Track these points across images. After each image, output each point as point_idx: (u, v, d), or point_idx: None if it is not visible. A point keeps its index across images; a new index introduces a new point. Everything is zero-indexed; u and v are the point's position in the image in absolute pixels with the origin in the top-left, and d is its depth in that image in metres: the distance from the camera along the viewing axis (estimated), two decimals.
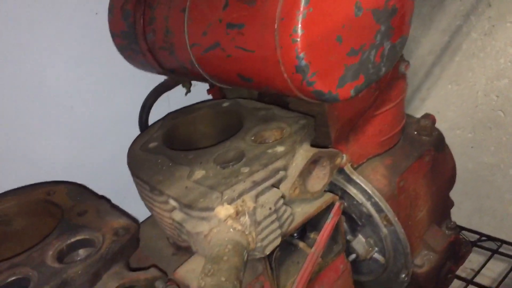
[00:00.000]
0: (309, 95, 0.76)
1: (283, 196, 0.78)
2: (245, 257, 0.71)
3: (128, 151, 0.91)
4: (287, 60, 0.71)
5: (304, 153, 0.82)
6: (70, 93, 1.05)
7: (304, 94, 0.77)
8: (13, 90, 0.97)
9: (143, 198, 0.86)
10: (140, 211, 0.95)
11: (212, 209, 0.72)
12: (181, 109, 1.04)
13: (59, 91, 1.03)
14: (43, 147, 1.02)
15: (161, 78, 1.13)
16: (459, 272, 1.23)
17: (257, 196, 0.75)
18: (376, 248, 1.06)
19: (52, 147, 1.04)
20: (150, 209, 0.86)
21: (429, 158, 1.09)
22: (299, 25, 0.68)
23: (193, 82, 1.18)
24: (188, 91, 1.17)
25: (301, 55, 0.70)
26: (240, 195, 0.73)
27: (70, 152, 1.06)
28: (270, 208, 0.75)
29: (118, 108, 1.12)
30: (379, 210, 1.01)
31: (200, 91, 1.17)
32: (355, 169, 1.02)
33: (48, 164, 1.03)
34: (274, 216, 0.75)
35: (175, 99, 1.16)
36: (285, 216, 0.79)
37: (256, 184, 0.75)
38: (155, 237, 0.98)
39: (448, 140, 1.16)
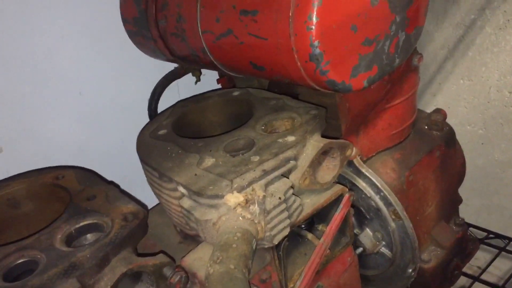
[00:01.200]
0: (322, 85, 0.75)
1: (292, 186, 0.78)
2: (254, 246, 0.70)
3: (138, 137, 0.91)
4: (301, 48, 0.70)
5: (314, 143, 0.82)
6: (79, 78, 1.04)
7: (316, 84, 0.76)
8: (23, 75, 0.97)
9: (151, 185, 0.86)
10: (147, 199, 0.95)
11: (222, 196, 0.72)
12: (190, 97, 1.04)
13: (68, 76, 1.03)
14: (52, 132, 1.02)
15: (171, 66, 1.12)
16: (465, 269, 1.22)
17: (266, 185, 0.75)
18: (384, 242, 1.06)
19: (61, 132, 1.04)
20: (158, 196, 0.86)
21: (439, 153, 1.08)
22: (314, 12, 0.67)
23: (202, 71, 1.17)
24: (198, 80, 1.17)
25: (315, 43, 0.69)
26: (250, 183, 0.73)
27: (79, 138, 1.06)
28: (279, 198, 0.74)
29: (127, 95, 1.11)
30: (388, 204, 1.00)
31: (209, 81, 1.17)
32: (364, 162, 1.01)
33: (56, 149, 1.03)
34: (283, 206, 0.75)
35: (184, 88, 1.16)
36: (295, 206, 0.79)
37: (266, 173, 0.75)
38: (162, 225, 0.98)
39: (458, 136, 1.15)
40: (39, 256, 0.66)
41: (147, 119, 1.10)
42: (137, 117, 1.08)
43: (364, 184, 1.01)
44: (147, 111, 1.10)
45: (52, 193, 0.82)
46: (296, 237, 0.90)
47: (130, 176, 1.01)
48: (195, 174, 0.77)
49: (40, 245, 0.68)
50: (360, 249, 1.05)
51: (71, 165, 0.91)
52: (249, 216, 0.72)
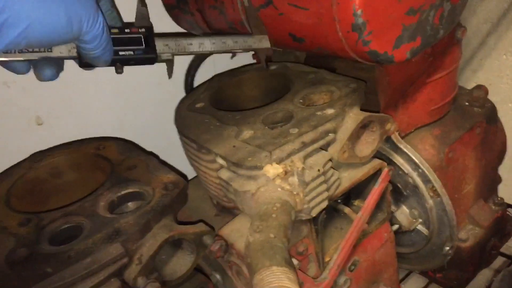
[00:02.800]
0: (363, 56, 0.74)
1: (331, 159, 0.77)
2: (293, 217, 0.70)
3: (176, 110, 0.92)
4: (343, 17, 0.69)
5: (354, 116, 0.81)
6: None
7: (358, 55, 0.74)
8: None
9: (189, 157, 0.87)
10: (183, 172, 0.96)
11: (261, 167, 0.72)
12: (227, 71, 1.04)
13: None
14: (90, 106, 1.04)
15: None
16: (503, 249, 1.20)
17: (305, 157, 0.75)
18: (420, 220, 1.04)
19: (99, 106, 1.05)
20: (196, 168, 0.87)
21: (480, 130, 1.05)
22: None
23: None
24: (234, 54, 1.16)
25: (358, 12, 0.68)
26: (289, 155, 0.73)
27: (117, 112, 1.08)
28: (318, 170, 0.74)
29: (164, 70, 1.12)
30: (426, 180, 0.98)
31: (245, 55, 1.16)
32: (402, 138, 1.00)
33: (95, 123, 1.05)
34: (322, 178, 0.74)
35: (220, 62, 1.15)
36: (333, 179, 0.78)
37: (305, 145, 0.74)
38: (198, 199, 0.99)
39: (500, 114, 1.12)
40: (83, 222, 0.68)
41: (183, 94, 1.11)
42: (173, 92, 1.08)
43: (401, 161, 0.99)
44: (183, 86, 1.11)
45: (93, 163, 0.84)
46: (332, 211, 0.89)
47: (167, 150, 1.02)
48: (234, 146, 0.77)
49: (84, 212, 0.70)
50: (396, 226, 1.04)
51: (111, 136, 0.93)
52: (288, 187, 0.72)
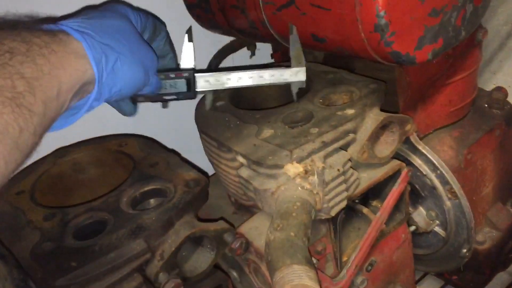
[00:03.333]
0: (385, 57, 0.74)
1: (350, 159, 0.78)
2: (313, 216, 0.71)
3: (196, 109, 0.92)
4: (366, 18, 0.69)
5: (374, 117, 0.81)
6: None
7: (380, 55, 0.75)
8: None
9: (209, 155, 0.87)
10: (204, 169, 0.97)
11: (281, 166, 0.72)
12: None
13: None
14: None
15: (227, 40, 1.13)
16: None
17: (325, 157, 0.75)
18: (437, 222, 1.04)
19: None
20: (215, 166, 0.88)
21: (499, 132, 1.05)
22: None
23: (257, 46, 1.17)
24: (253, 54, 1.17)
25: (381, 13, 0.68)
26: (309, 154, 0.73)
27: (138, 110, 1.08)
28: (338, 170, 0.74)
29: None
30: (444, 182, 0.98)
31: (264, 55, 1.17)
32: (421, 139, 1.00)
33: (115, 121, 1.05)
34: (341, 178, 0.75)
35: (239, 62, 1.16)
36: (352, 179, 0.79)
37: (325, 144, 0.75)
38: (216, 197, 1.00)
39: None
40: (106, 217, 0.69)
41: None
42: None
43: (420, 162, 0.99)
44: None
45: (115, 160, 0.85)
46: (350, 211, 0.90)
47: (187, 148, 1.02)
48: (254, 144, 0.77)
49: (108, 207, 0.71)
50: (413, 228, 1.04)
51: (132, 133, 0.94)
52: (308, 186, 0.72)
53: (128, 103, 0.73)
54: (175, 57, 0.81)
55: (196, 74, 0.75)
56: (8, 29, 0.49)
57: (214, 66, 1.10)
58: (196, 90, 0.76)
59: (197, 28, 1.09)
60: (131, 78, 0.62)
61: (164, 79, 0.74)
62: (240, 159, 0.78)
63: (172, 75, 0.74)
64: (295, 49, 0.79)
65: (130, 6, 0.71)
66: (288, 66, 0.79)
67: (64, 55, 0.51)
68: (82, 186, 0.85)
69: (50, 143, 0.91)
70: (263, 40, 0.97)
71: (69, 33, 0.54)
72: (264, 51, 1.17)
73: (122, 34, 0.62)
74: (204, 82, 0.77)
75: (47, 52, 0.49)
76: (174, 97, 0.76)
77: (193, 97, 0.77)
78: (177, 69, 0.77)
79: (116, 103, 0.72)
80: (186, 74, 0.75)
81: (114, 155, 0.85)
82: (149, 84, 0.68)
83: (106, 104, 1.03)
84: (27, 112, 0.45)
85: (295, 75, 0.78)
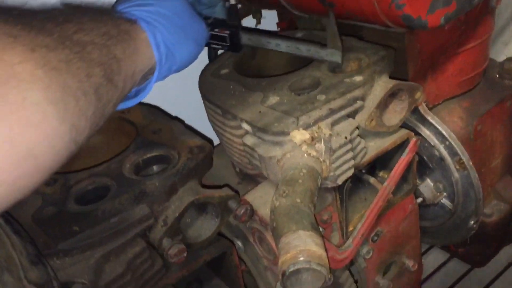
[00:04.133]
0: (396, 21, 0.72)
1: (358, 127, 0.76)
2: (319, 183, 0.70)
3: (200, 76, 0.90)
4: None
5: (383, 84, 0.79)
6: None
7: (390, 20, 0.72)
8: None
9: (213, 123, 0.86)
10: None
11: (287, 133, 0.71)
12: None
13: None
14: None
15: None
16: None
17: (332, 124, 0.74)
18: (445, 193, 1.03)
19: None
20: (220, 135, 0.86)
21: (510, 104, 1.02)
22: None
23: (263, 14, 1.14)
24: (258, 22, 1.14)
25: None
26: (316, 121, 0.72)
27: None
28: (345, 138, 0.73)
29: None
30: (453, 153, 0.96)
31: (270, 23, 1.14)
32: (430, 109, 0.97)
33: None
34: (349, 146, 0.73)
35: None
36: (359, 147, 0.77)
37: (332, 112, 0.73)
38: (220, 166, 0.98)
39: None
40: (109, 183, 0.68)
41: (207, 61, 1.09)
42: (197, 60, 1.06)
43: (428, 133, 0.97)
44: (207, 53, 1.09)
45: (118, 127, 0.83)
46: (356, 182, 0.88)
47: (191, 117, 1.01)
48: (260, 111, 0.76)
49: (111, 173, 0.70)
50: (420, 200, 1.03)
51: None
52: (314, 153, 0.71)
53: None
54: (224, 6, 0.89)
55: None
56: (97, 12, 0.57)
57: None
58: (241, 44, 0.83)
59: None
60: (187, 56, 0.68)
61: (210, 31, 0.80)
62: (245, 126, 0.76)
63: (216, 30, 0.81)
64: (331, 32, 0.80)
65: None
66: (324, 45, 0.81)
67: (138, 42, 0.58)
68: (85, 153, 0.83)
69: None
70: (271, 7, 0.95)
71: (138, 23, 0.61)
72: (270, 19, 1.14)
73: (176, 15, 0.67)
74: (247, 39, 0.83)
75: (128, 38, 0.56)
76: (219, 47, 0.84)
77: (237, 51, 0.84)
78: (222, 23, 0.84)
79: None
80: (227, 32, 0.81)
81: (116, 122, 0.84)
82: (204, 42, 0.75)
83: None
84: (114, 87, 0.51)
85: (331, 55, 0.80)
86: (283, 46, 0.81)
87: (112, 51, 0.52)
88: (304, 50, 0.81)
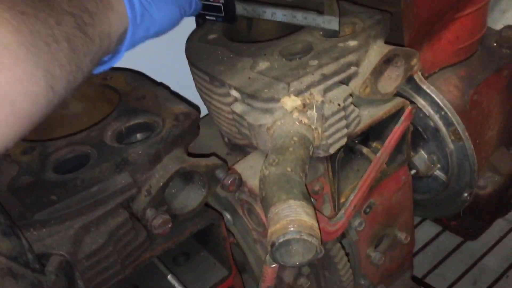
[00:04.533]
0: None
1: (351, 95, 0.73)
2: (311, 152, 0.67)
3: (186, 42, 0.86)
4: None
5: (378, 49, 0.75)
6: None
7: None
8: None
9: (200, 91, 0.82)
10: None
11: (278, 100, 0.67)
12: None
13: None
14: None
15: None
16: None
17: (325, 90, 0.70)
18: (439, 165, 1.01)
19: None
20: (207, 103, 0.82)
21: (507, 73, 1.00)
22: None
23: None
24: None
25: None
26: (308, 87, 0.68)
27: None
28: (338, 105, 0.70)
29: None
30: (448, 123, 0.94)
31: None
32: (425, 78, 0.95)
33: None
34: (342, 114, 0.70)
35: None
36: (353, 115, 0.74)
37: (325, 77, 0.70)
38: (209, 137, 0.95)
39: None
40: (89, 151, 0.65)
41: (194, 26, 1.05)
42: (184, 24, 1.02)
43: (423, 102, 0.95)
44: (194, 18, 1.05)
45: (100, 94, 0.79)
46: (349, 152, 0.86)
47: (177, 84, 0.97)
48: (249, 77, 0.72)
49: (91, 141, 0.67)
50: (413, 171, 1.01)
51: (119, 67, 0.88)
52: (306, 121, 0.67)
53: None
54: None
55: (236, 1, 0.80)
56: None
57: None
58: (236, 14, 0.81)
59: None
60: (167, 19, 0.64)
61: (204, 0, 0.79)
62: (234, 93, 0.73)
63: (210, 0, 0.79)
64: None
65: None
66: (321, 12, 0.77)
67: (108, 2, 0.54)
68: (65, 121, 0.80)
69: None
70: None
71: None
72: None
73: None
74: (242, 9, 0.80)
75: None
76: (213, 18, 0.82)
77: (231, 22, 0.82)
78: None
79: None
80: (222, 1, 0.79)
81: (98, 89, 0.80)
82: (190, 8, 0.71)
83: None
84: (90, 40, 0.49)
85: (328, 22, 0.77)
86: (279, 15, 0.79)
87: (83, 3, 0.49)
88: (301, 18, 0.78)
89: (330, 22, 0.77)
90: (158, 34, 0.65)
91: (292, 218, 0.55)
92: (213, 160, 0.67)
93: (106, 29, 0.52)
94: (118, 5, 0.55)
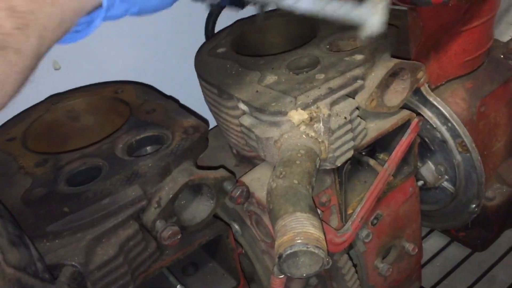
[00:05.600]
0: None
1: (358, 108, 0.74)
2: (317, 165, 0.68)
3: (196, 55, 0.88)
4: None
5: (384, 63, 0.76)
6: None
7: None
8: None
9: (209, 104, 0.84)
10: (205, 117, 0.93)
11: (285, 113, 0.69)
12: (249, 17, 0.99)
13: None
14: (109, 52, 1.00)
15: None
16: None
17: (332, 104, 0.71)
18: (446, 176, 1.01)
19: (118, 52, 1.02)
20: (216, 115, 0.84)
21: None
22: None
23: None
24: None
25: None
26: (315, 101, 0.70)
27: (136, 58, 1.04)
28: (345, 118, 0.71)
29: (183, 15, 1.07)
30: (455, 135, 0.94)
31: None
32: (432, 90, 0.95)
33: (114, 69, 1.01)
34: (348, 127, 0.71)
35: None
36: (359, 128, 0.75)
37: (331, 91, 0.71)
38: (218, 148, 0.97)
39: None
40: (101, 164, 0.66)
41: (203, 40, 1.06)
42: (194, 38, 1.04)
43: (430, 114, 0.95)
44: (204, 32, 1.06)
45: (111, 107, 0.81)
46: (356, 164, 0.86)
47: (187, 98, 0.98)
48: (257, 91, 0.74)
49: (102, 154, 0.68)
50: (421, 183, 1.01)
51: (130, 80, 0.90)
52: (313, 134, 0.69)
53: None
54: None
55: None
56: None
57: (215, 13, 1.04)
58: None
59: None
60: None
61: None
62: (242, 106, 0.74)
63: None
64: None
65: None
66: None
67: None
68: (77, 134, 0.82)
69: (43, 89, 0.87)
70: None
71: None
72: None
73: None
74: None
75: None
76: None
77: (240, 7, 0.76)
78: None
79: None
80: None
81: (109, 102, 0.81)
82: None
83: (104, 52, 1.00)
84: (12, 53, 0.41)
85: (371, 14, 0.57)
86: (305, 1, 0.57)
87: (10, 4, 0.41)
88: (333, 7, 0.57)
89: (374, 12, 0.57)
90: (141, 13, 0.55)
91: (299, 231, 0.56)
92: (221, 173, 0.68)
93: (55, 21, 0.45)
94: None
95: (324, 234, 0.59)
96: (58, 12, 0.45)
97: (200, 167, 0.69)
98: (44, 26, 0.44)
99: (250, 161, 0.89)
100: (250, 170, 0.81)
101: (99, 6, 0.49)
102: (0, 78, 0.41)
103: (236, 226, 0.84)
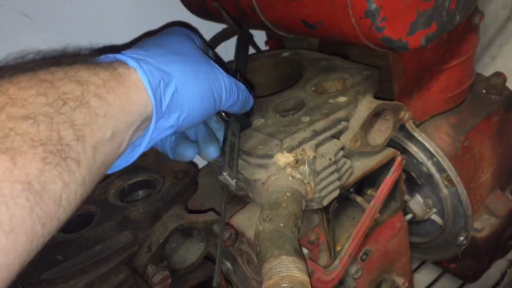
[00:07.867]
0: (377, 43, 0.72)
1: (343, 148, 0.76)
2: (303, 206, 0.70)
3: None
4: (356, 3, 0.67)
5: (367, 104, 0.79)
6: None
7: (371, 42, 0.73)
8: None
9: None
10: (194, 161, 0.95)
11: (271, 156, 0.71)
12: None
13: None
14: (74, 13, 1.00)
15: (219, 27, 1.11)
16: None
17: (317, 146, 0.74)
18: (434, 209, 1.03)
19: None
20: None
21: (497, 118, 1.03)
22: None
23: (252, 33, 1.15)
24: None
25: None
26: (300, 143, 0.72)
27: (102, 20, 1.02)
28: (330, 159, 0.73)
29: None
30: (441, 170, 0.97)
31: (258, 42, 1.15)
32: (417, 126, 0.98)
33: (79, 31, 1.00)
34: (333, 167, 0.73)
35: (232, 49, 1.14)
36: (345, 168, 0.77)
37: (316, 133, 0.73)
38: (210, 186, 0.98)
39: None
40: (93, 210, 0.68)
41: None
42: None
43: (416, 149, 0.98)
44: None
45: None
46: (344, 200, 0.88)
47: None
48: (245, 134, 0.76)
49: (95, 199, 0.70)
50: (410, 216, 1.03)
51: None
52: (298, 176, 0.71)
53: (188, 143, 0.68)
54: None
55: None
56: (66, 67, 0.47)
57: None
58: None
59: (190, 16, 1.07)
60: (197, 103, 0.57)
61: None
62: None
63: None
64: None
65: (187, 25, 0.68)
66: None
67: (124, 91, 0.49)
68: None
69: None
70: (255, 27, 0.95)
71: (127, 63, 0.51)
72: (258, 38, 1.15)
73: (183, 56, 0.57)
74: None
75: (104, 91, 0.47)
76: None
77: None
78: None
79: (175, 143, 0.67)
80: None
81: None
82: (224, 105, 0.64)
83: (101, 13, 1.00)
84: (73, 163, 0.43)
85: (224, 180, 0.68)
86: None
87: (69, 118, 0.44)
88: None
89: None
90: (190, 122, 0.58)
91: (284, 274, 0.58)
92: (210, 216, 0.70)
93: (108, 133, 0.47)
94: (136, 97, 0.50)
95: (309, 276, 0.61)
96: (110, 124, 0.47)
97: (190, 211, 0.71)
98: (97, 138, 0.46)
99: (241, 199, 0.91)
100: (241, 207, 0.83)
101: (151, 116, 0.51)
102: (59, 188, 0.42)
103: (228, 264, 0.85)
